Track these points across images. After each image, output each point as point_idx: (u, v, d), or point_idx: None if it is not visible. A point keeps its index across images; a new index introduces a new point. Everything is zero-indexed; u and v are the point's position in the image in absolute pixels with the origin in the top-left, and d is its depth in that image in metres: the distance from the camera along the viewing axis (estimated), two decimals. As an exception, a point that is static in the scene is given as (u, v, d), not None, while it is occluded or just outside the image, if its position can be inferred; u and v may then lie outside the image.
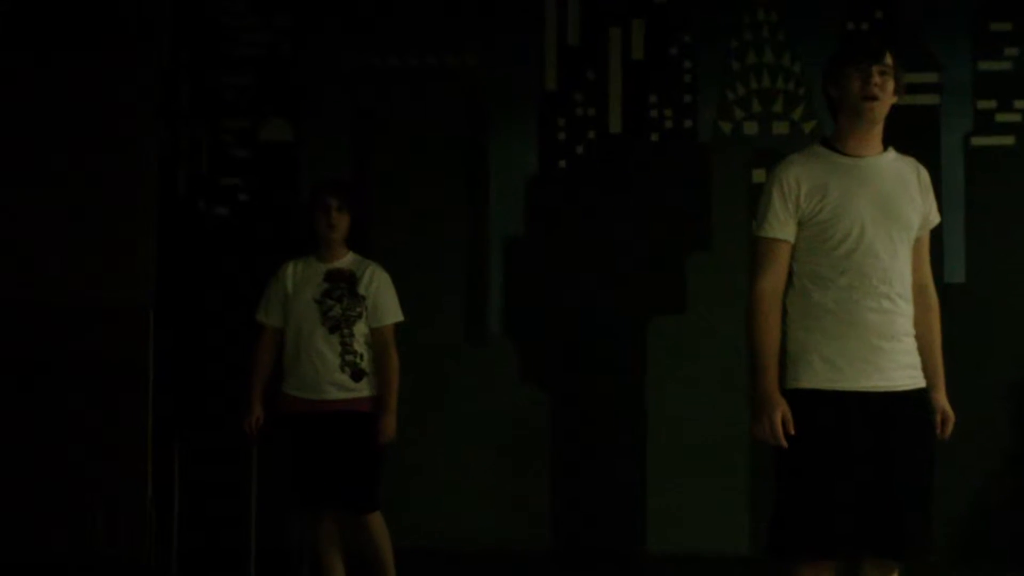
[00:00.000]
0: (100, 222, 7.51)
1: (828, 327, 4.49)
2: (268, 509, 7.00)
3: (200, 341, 7.59)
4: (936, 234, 4.86)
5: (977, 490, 7.07)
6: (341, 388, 6.15)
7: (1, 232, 7.53)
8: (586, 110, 7.59)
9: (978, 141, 7.30)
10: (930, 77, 7.33)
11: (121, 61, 7.59)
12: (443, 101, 7.67)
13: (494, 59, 7.66)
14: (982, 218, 7.24)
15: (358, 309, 6.20)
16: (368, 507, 6.17)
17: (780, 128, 7.46)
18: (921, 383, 4.56)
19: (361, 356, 6.19)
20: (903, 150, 4.72)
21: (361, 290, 6.21)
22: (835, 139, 4.65)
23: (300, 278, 6.26)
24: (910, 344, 4.56)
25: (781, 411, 4.44)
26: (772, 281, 4.57)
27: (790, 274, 4.60)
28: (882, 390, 4.46)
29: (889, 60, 4.55)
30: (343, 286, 6.20)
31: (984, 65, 7.35)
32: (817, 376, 4.48)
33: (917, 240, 4.66)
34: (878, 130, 4.61)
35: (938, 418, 4.61)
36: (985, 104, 7.32)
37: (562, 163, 7.59)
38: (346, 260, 6.29)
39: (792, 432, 4.43)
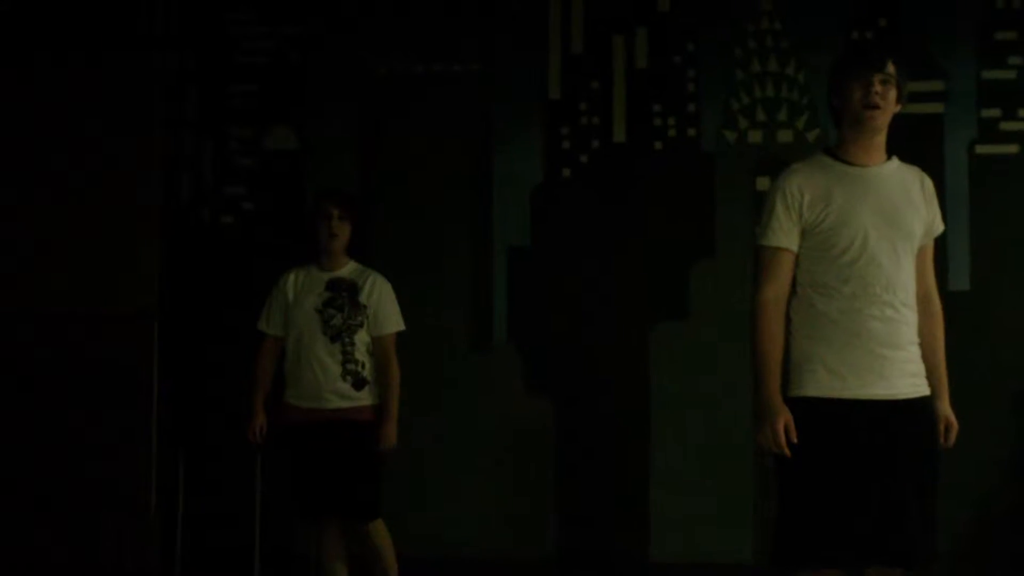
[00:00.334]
0: (104, 230, 7.51)
1: (832, 336, 4.50)
2: (271, 515, 7.01)
3: (204, 349, 7.59)
4: (940, 242, 4.87)
5: (981, 498, 7.06)
6: (342, 397, 6.16)
7: (5, 239, 7.53)
8: (590, 119, 7.59)
9: (982, 149, 7.30)
10: (934, 86, 7.33)
11: (128, 69, 7.60)
12: (448, 110, 7.68)
13: (498, 68, 7.66)
14: (986, 226, 7.23)
15: (359, 318, 6.20)
16: (369, 515, 6.19)
17: (784, 137, 7.45)
18: (924, 391, 4.56)
19: (363, 365, 6.20)
20: (907, 159, 4.73)
21: (362, 299, 6.22)
22: (838, 148, 4.66)
23: (301, 287, 6.27)
24: (914, 352, 4.57)
25: (784, 419, 4.45)
26: (775, 290, 4.58)
27: (794, 283, 4.61)
28: (885, 398, 4.46)
29: (891, 69, 4.55)
30: (344, 295, 6.21)
31: (988, 74, 7.35)
32: (820, 384, 4.49)
33: (921, 248, 4.66)
34: (881, 139, 4.62)
35: (941, 426, 4.62)
36: (989, 113, 7.32)
37: (566, 172, 7.59)
38: (347, 269, 6.30)
39: (795, 440, 4.44)
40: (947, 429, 4.64)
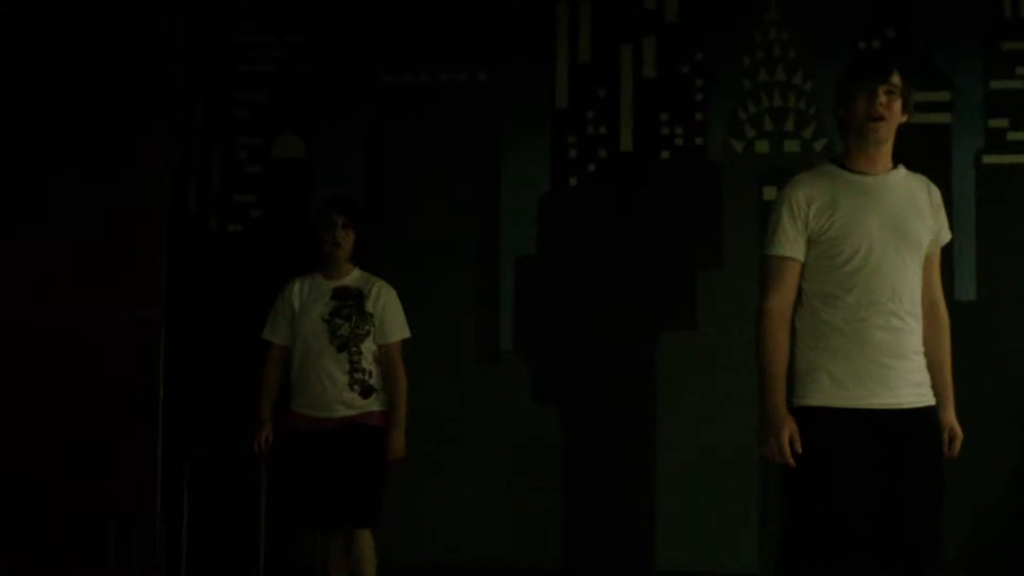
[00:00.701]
0: (112, 237, 7.51)
1: (836, 345, 4.50)
2: (277, 525, 7.02)
3: (211, 357, 7.59)
4: (947, 252, 4.87)
5: (987, 508, 7.05)
6: (349, 406, 6.15)
7: (12, 247, 7.54)
8: (597, 128, 7.59)
9: (989, 159, 7.30)
10: (942, 96, 7.33)
11: (135, 80, 7.59)
12: (455, 118, 7.68)
13: (506, 77, 7.67)
14: (993, 236, 7.22)
15: (366, 327, 6.19)
16: (361, 521, 6.13)
17: (791, 146, 7.45)
18: (930, 401, 4.56)
19: (370, 374, 6.19)
20: (914, 169, 4.72)
21: (368, 307, 6.21)
22: (844, 158, 4.66)
23: (307, 296, 6.25)
24: (919, 362, 4.56)
25: (789, 429, 4.45)
26: (781, 300, 4.58)
27: (800, 292, 4.61)
28: (890, 408, 4.46)
29: (896, 80, 4.55)
30: (351, 304, 6.20)
31: (996, 84, 7.34)
32: (825, 394, 4.48)
33: (928, 258, 4.66)
34: (887, 149, 4.62)
35: (946, 436, 4.61)
36: (996, 123, 7.32)
37: (573, 181, 7.60)
38: (352, 277, 6.28)
39: (799, 450, 4.44)
40: (952, 439, 4.64)
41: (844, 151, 4.69)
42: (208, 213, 7.79)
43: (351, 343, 6.16)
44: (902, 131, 4.68)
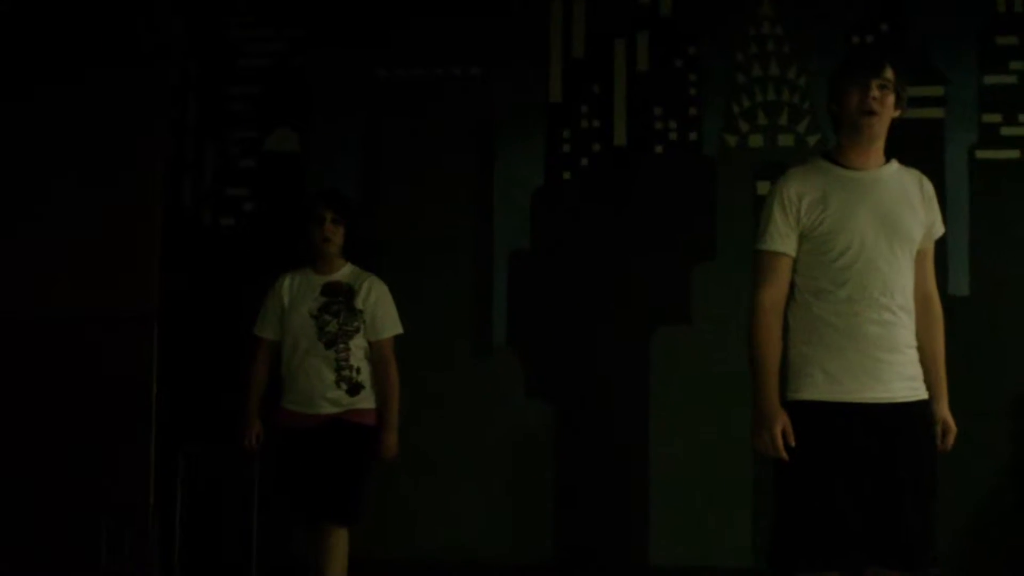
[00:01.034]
0: (106, 234, 7.51)
1: (829, 340, 4.51)
2: (271, 521, 7.01)
3: (205, 352, 7.58)
4: (940, 247, 4.87)
5: (980, 502, 7.05)
6: (335, 403, 6.12)
7: (7, 244, 7.54)
8: (591, 122, 7.59)
9: (983, 154, 7.29)
10: (935, 91, 7.33)
11: (135, 79, 7.59)
12: (449, 113, 7.68)
13: (499, 71, 7.66)
14: (987, 231, 7.22)
15: (355, 323, 6.15)
16: (339, 518, 6.07)
17: (785, 141, 7.45)
18: (922, 395, 4.57)
19: (358, 370, 6.15)
20: (907, 164, 4.73)
21: (358, 304, 6.17)
22: (837, 152, 4.66)
23: (296, 292, 6.22)
24: (912, 356, 4.57)
25: (781, 423, 4.46)
26: (773, 294, 4.59)
27: (792, 287, 4.62)
28: (883, 402, 4.47)
29: (889, 74, 4.56)
30: (340, 300, 6.16)
31: (989, 79, 7.34)
32: (818, 388, 4.50)
33: (921, 252, 4.67)
34: (879, 144, 4.63)
35: (939, 429, 4.62)
36: (990, 118, 7.31)
37: (567, 175, 7.59)
38: (343, 273, 6.26)
39: (792, 444, 4.44)
40: (945, 432, 4.65)
41: (837, 146, 4.69)
42: (202, 207, 7.78)
43: (339, 339, 6.12)
44: (896, 126, 4.69)
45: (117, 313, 7.41)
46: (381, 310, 6.22)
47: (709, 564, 7.23)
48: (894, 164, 4.68)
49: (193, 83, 7.84)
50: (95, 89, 7.56)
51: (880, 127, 4.58)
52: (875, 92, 4.53)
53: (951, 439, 4.66)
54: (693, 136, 7.52)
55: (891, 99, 4.57)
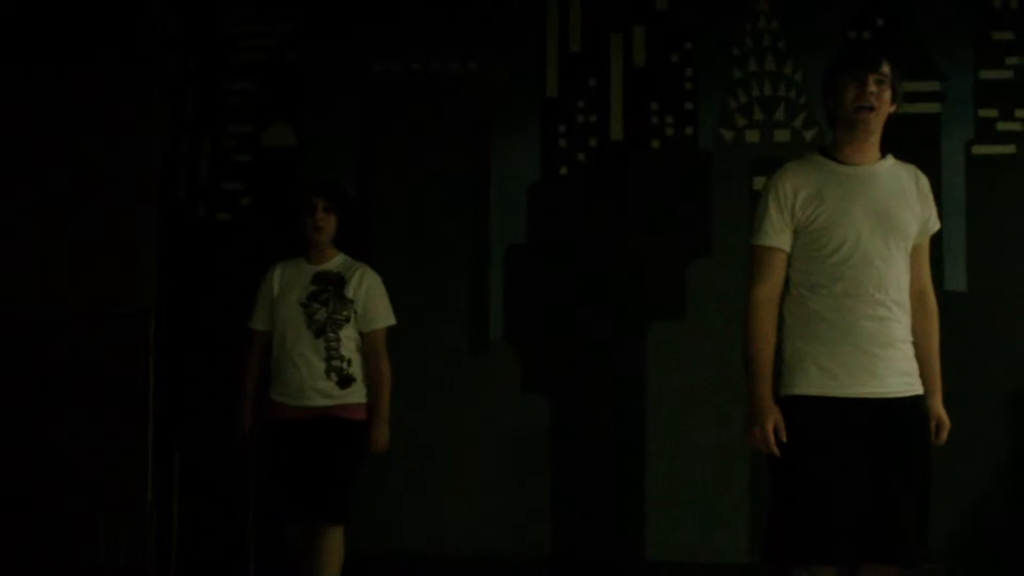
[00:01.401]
0: (101, 226, 7.51)
1: (824, 335, 4.52)
2: (268, 516, 7.00)
3: (201, 346, 7.58)
4: (937, 242, 4.88)
5: (976, 497, 7.05)
6: (325, 395, 6.05)
7: (2, 238, 7.53)
8: (587, 117, 7.58)
9: (979, 150, 7.29)
10: (932, 85, 7.33)
11: (128, 71, 7.59)
12: (445, 107, 7.67)
13: (496, 66, 7.65)
14: (983, 227, 7.22)
15: (345, 313, 6.09)
16: (330, 517, 6.01)
17: (781, 136, 7.45)
18: (917, 390, 4.57)
19: (349, 362, 6.08)
20: (903, 159, 4.74)
21: (349, 293, 6.11)
22: (832, 147, 4.67)
23: (287, 280, 6.17)
24: (906, 351, 4.58)
25: (774, 419, 4.47)
26: (767, 289, 4.60)
27: (787, 282, 4.63)
28: (877, 396, 4.48)
29: (886, 69, 4.57)
30: (330, 289, 6.09)
31: (986, 74, 7.34)
32: (812, 383, 4.50)
33: (917, 247, 4.68)
34: (875, 139, 4.63)
35: (933, 425, 4.63)
36: (986, 113, 7.31)
37: (563, 170, 7.58)
38: (335, 262, 6.21)
39: (784, 440, 4.45)
40: (939, 427, 4.66)
41: (833, 141, 4.70)
42: (198, 202, 7.77)
43: (328, 328, 6.06)
44: (892, 121, 4.70)
45: (113, 306, 7.41)
46: (373, 300, 6.16)
47: (705, 560, 7.23)
48: (890, 159, 4.68)
49: (189, 78, 7.82)
50: (92, 84, 7.55)
51: (876, 122, 4.58)
52: (872, 87, 4.53)
53: (944, 434, 4.67)
54: (689, 131, 7.51)
55: (887, 94, 4.58)
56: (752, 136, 7.46)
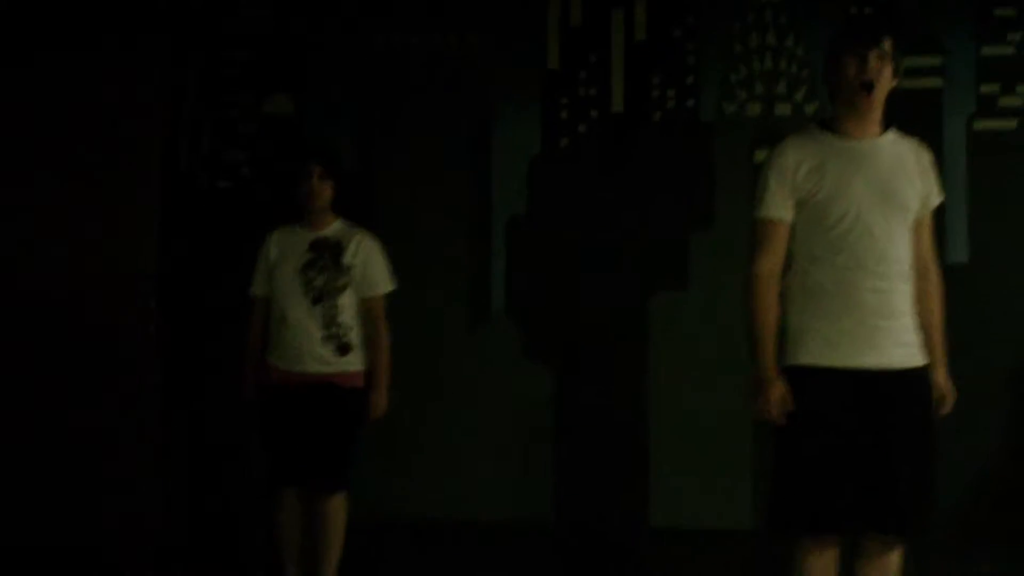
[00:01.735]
0: (103, 195, 7.51)
1: (826, 307, 4.53)
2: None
3: (204, 315, 7.59)
4: (939, 216, 4.89)
5: (978, 469, 7.08)
6: (323, 362, 6.03)
7: (2, 208, 7.53)
8: (588, 89, 7.59)
9: (981, 125, 7.30)
10: (933, 61, 7.33)
11: (128, 39, 7.59)
12: (446, 79, 7.67)
13: (497, 38, 7.65)
14: (985, 199, 7.23)
15: (343, 280, 6.07)
16: (330, 486, 6.02)
17: (782, 109, 7.45)
18: (919, 361, 4.59)
19: (347, 329, 6.07)
20: (905, 133, 4.74)
21: (347, 260, 6.09)
22: (834, 122, 4.68)
23: (284, 247, 6.14)
24: (908, 322, 4.59)
25: (778, 389, 4.49)
26: (769, 261, 4.61)
27: (789, 254, 4.64)
28: (879, 368, 4.49)
29: (887, 45, 4.57)
30: (327, 256, 6.08)
31: (987, 50, 7.34)
32: (814, 353, 4.53)
33: (919, 221, 4.69)
34: (877, 114, 4.64)
35: (936, 396, 4.65)
36: (988, 88, 7.32)
37: (564, 142, 7.59)
38: (332, 228, 6.17)
39: (791, 409, 4.47)
40: (942, 398, 4.67)
41: (834, 115, 4.70)
42: (199, 171, 7.77)
43: (326, 296, 6.03)
44: (894, 95, 4.70)
45: (115, 275, 7.41)
46: (372, 266, 6.14)
47: (709, 527, 7.26)
48: (891, 133, 4.69)
49: (190, 47, 7.81)
50: (91, 53, 7.55)
51: (877, 98, 4.59)
52: (873, 63, 4.54)
53: (949, 405, 4.69)
54: (690, 104, 7.51)
55: (888, 70, 4.58)
56: (753, 109, 7.47)
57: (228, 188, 7.74)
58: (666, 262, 7.41)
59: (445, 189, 7.62)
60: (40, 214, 7.52)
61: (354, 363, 6.09)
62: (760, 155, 7.17)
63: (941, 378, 4.69)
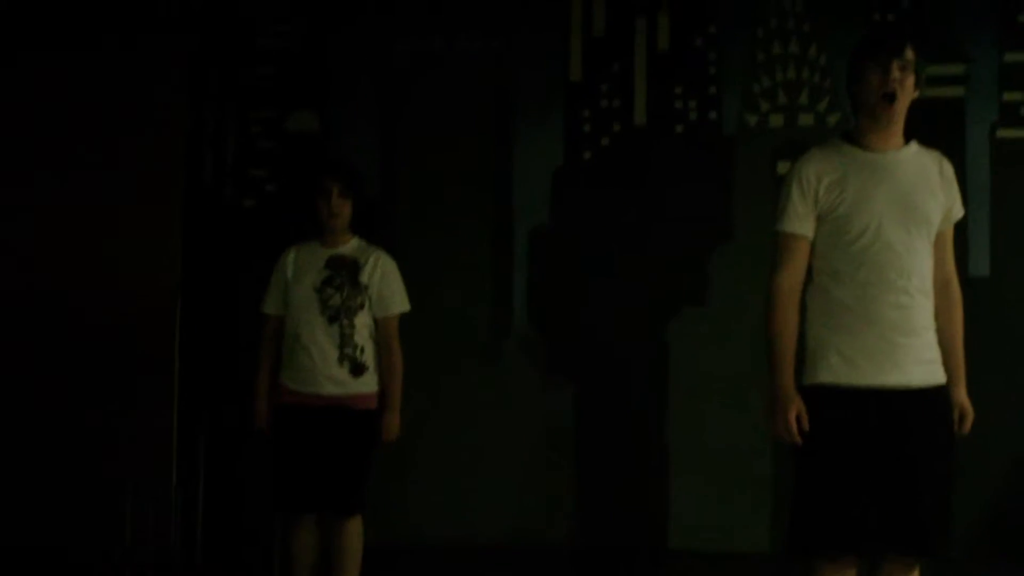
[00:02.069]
0: (127, 211, 7.52)
1: (846, 323, 4.50)
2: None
3: (226, 330, 7.59)
4: (960, 227, 4.84)
5: (998, 488, 7.03)
6: (337, 383, 5.98)
7: (25, 214, 7.55)
8: (611, 101, 7.57)
9: (1004, 133, 7.26)
10: (956, 69, 7.29)
11: (151, 52, 7.61)
12: (469, 92, 7.67)
13: (520, 51, 7.65)
14: (1007, 211, 7.19)
15: (359, 299, 6.01)
16: (347, 509, 5.98)
17: (805, 120, 7.43)
18: (940, 379, 4.55)
19: (362, 350, 6.01)
20: (927, 143, 4.71)
21: (363, 279, 6.03)
22: (856, 133, 4.65)
23: (301, 264, 6.08)
24: (929, 339, 4.56)
25: (796, 408, 4.46)
26: (790, 276, 4.58)
27: (810, 270, 4.61)
28: (899, 387, 4.46)
29: (909, 55, 4.54)
30: (344, 274, 6.02)
31: (1011, 57, 7.31)
32: (834, 372, 4.48)
33: (940, 234, 4.65)
34: (899, 125, 4.61)
35: (956, 414, 4.61)
36: (1011, 96, 7.28)
37: (587, 154, 7.58)
38: (350, 246, 6.12)
39: (807, 429, 4.44)
40: (962, 417, 4.63)
41: (856, 127, 4.68)
42: (223, 186, 7.78)
43: (342, 315, 5.98)
44: (916, 105, 4.67)
45: (140, 288, 7.43)
46: (388, 286, 6.08)
47: (728, 549, 7.22)
48: (913, 146, 4.66)
49: (213, 60, 7.82)
50: (114, 56, 7.56)
51: (900, 109, 4.55)
52: (895, 74, 4.50)
53: (968, 423, 4.64)
54: (713, 115, 7.50)
55: (911, 80, 4.55)
56: (776, 120, 7.45)
57: (253, 206, 7.73)
58: (687, 276, 7.39)
59: (467, 201, 7.61)
60: (64, 229, 7.54)
61: (368, 384, 6.04)
62: (783, 167, 7.14)
63: (961, 396, 4.64)
